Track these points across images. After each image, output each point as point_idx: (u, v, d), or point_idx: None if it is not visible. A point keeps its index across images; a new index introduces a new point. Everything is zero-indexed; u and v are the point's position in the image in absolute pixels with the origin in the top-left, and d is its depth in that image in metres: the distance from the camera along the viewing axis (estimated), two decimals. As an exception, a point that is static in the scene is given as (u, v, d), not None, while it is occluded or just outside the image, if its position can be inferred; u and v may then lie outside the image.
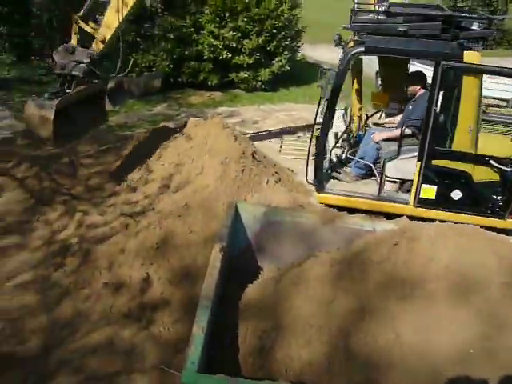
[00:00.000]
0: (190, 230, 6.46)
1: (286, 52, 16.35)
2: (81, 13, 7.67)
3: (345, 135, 8.50)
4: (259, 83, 16.03)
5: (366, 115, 9.22)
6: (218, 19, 15.24)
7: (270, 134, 11.91)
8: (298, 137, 11.44)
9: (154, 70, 15.38)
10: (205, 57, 15.24)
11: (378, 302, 4.40)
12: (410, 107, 7.75)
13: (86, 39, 7.92)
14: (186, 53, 15.27)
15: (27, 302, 6.03)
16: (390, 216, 6.51)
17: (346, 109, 9.20)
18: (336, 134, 8.35)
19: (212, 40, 15.09)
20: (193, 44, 15.32)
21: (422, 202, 6.92)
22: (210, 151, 8.00)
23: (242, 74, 15.75)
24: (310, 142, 7.37)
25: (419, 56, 7.24)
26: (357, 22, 6.99)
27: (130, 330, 5.53)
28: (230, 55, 15.32)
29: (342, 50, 7.38)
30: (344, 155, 8.12)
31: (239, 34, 15.23)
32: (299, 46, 17.74)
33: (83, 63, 7.71)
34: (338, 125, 8.47)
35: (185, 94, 15.64)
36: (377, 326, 4.26)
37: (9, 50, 18.16)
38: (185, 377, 3.50)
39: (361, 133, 8.76)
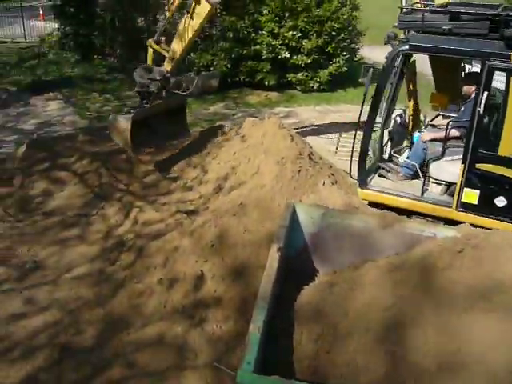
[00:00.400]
0: (245, 228, 6.42)
1: (344, 53, 16.17)
2: (155, 37, 9.06)
3: (400, 135, 8.33)
4: (316, 84, 15.91)
5: (424, 116, 9.01)
6: (277, 18, 15.22)
7: (327, 135, 11.79)
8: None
9: (211, 69, 15.49)
10: (263, 56, 15.24)
11: (441, 311, 4.23)
12: (462, 108, 7.51)
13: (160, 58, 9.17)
14: (244, 52, 15.31)
15: (83, 295, 6.17)
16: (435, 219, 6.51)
17: (404, 109, 9.01)
18: (390, 133, 8.19)
19: (271, 39, 15.07)
20: (251, 43, 15.35)
21: (465, 207, 6.65)
22: (267, 151, 7.95)
23: (300, 75, 15.66)
24: (354, 138, 7.33)
25: (464, 55, 6.98)
26: (403, 21, 6.88)
27: (182, 326, 5.56)
28: (288, 55, 15.27)
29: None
30: (394, 154, 8.00)
31: (299, 34, 15.16)
32: (358, 48, 17.51)
33: (157, 80, 8.79)
34: (395, 124, 8.30)
35: (242, 94, 15.70)
36: (438, 336, 4.10)
37: (73, 49, 18.69)
38: (240, 377, 3.46)
39: (416, 134, 8.57)
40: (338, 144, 11.12)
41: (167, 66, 8.95)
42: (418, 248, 4.96)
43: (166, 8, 9.10)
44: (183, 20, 8.64)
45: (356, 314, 4.44)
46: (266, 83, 15.59)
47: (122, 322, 5.70)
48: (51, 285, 6.33)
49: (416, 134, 8.05)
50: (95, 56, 18.74)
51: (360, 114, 7.12)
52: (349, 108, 14.48)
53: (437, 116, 9.06)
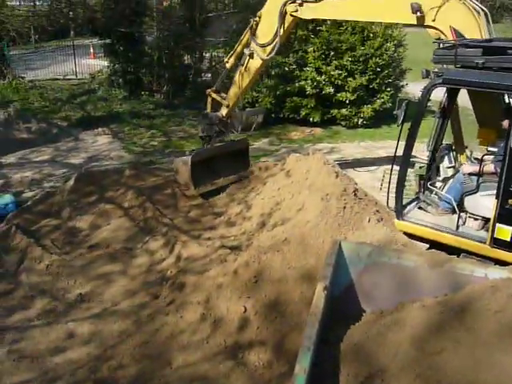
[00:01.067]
0: (289, 265, 6.35)
1: (388, 89, 16.12)
2: (214, 87, 10.01)
3: (445, 169, 8.18)
4: (360, 120, 15.87)
5: (471, 151, 8.84)
6: (322, 56, 15.34)
7: (371, 172, 11.66)
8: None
9: (256, 105, 15.65)
10: (307, 92, 15.33)
11: (495, 356, 4.03)
12: (502, 144, 7.36)
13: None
14: (289, 88, 15.44)
15: (126, 329, 6.17)
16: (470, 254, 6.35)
17: (450, 144, 8.88)
18: (437, 168, 8.08)
19: (316, 75, 15.17)
20: (295, 80, 15.48)
21: (498, 243, 6.39)
22: (311, 187, 7.91)
23: (344, 111, 15.67)
24: (391, 170, 7.42)
25: (497, 89, 6.83)
26: (437, 55, 6.94)
27: (225, 364, 5.48)
28: (332, 90, 15.32)
29: None
30: (437, 188, 7.88)
31: (345, 73, 15.24)
32: (403, 86, 17.43)
33: (215, 124, 9.96)
34: (440, 158, 8.19)
35: (285, 130, 15.77)
36: (492, 382, 3.90)
37: (122, 85, 19.24)
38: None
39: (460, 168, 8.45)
40: (382, 180, 10.95)
41: (223, 111, 10.04)
42: (468, 289, 4.78)
43: (225, 60, 9.93)
44: (238, 71, 9.62)
45: (404, 357, 4.28)
46: (311, 119, 15.63)
47: (163, 358, 5.66)
48: (95, 318, 6.38)
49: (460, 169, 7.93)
50: (143, 92, 19.22)
51: (396, 147, 7.13)
52: (394, 144, 14.29)
53: (486, 154, 8.87)
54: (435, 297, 4.96)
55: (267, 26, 9.02)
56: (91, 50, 25.54)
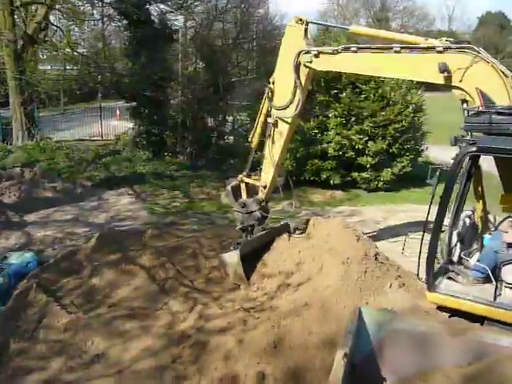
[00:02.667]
0: (309, 331, 6.28)
1: (408, 154, 16.24)
2: (244, 172, 9.32)
3: (469, 236, 8.06)
4: (381, 183, 15.94)
5: (494, 217, 8.72)
6: (344, 121, 15.62)
7: (392, 236, 11.59)
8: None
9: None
10: (329, 154, 15.51)
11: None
12: None
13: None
14: (311, 151, 15.65)
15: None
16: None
17: (473, 210, 8.79)
18: (459, 234, 7.94)
19: (340, 139, 15.39)
20: (317, 143, 15.69)
21: None
22: (331, 250, 7.90)
23: (364, 174, 15.78)
24: (422, 239, 7.05)
25: None
26: (469, 122, 6.78)
27: (243, 429, 5.35)
28: (354, 154, 15.49)
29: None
30: (464, 256, 7.67)
31: (366, 138, 15.46)
32: (422, 150, 17.55)
33: (255, 211, 9.11)
34: (464, 225, 8.06)
35: (307, 192, 15.86)
36: None
37: (146, 147, 19.68)
38: None
39: (487, 236, 8.27)
40: (404, 245, 10.89)
41: (261, 195, 9.28)
42: (492, 359, 4.66)
43: (250, 139, 9.39)
44: (267, 146, 9.03)
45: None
46: (332, 182, 15.74)
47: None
48: (112, 379, 6.29)
49: (487, 236, 7.76)
50: (166, 154, 19.63)
51: (427, 216, 6.98)
52: (415, 208, 14.29)
53: (506, 218, 8.77)
54: (458, 366, 4.83)
55: (283, 86, 8.61)
56: (117, 112, 26.31)
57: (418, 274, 7.04)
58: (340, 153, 15.51)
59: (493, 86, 7.19)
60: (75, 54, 22.30)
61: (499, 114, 6.61)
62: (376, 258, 7.77)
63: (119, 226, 12.19)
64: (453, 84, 7.45)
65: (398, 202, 15.20)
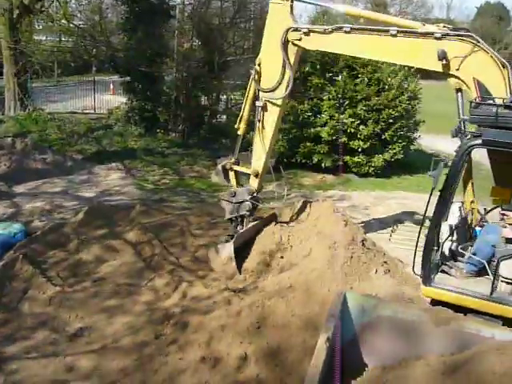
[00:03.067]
0: (293, 313, 6.32)
1: (400, 141, 16.23)
2: (233, 159, 8.86)
3: (460, 229, 8.03)
4: (372, 168, 15.94)
5: (485, 209, 8.70)
6: (337, 105, 15.55)
7: (381, 222, 11.64)
8: (410, 226, 11.06)
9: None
10: (323, 139, 15.47)
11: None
12: None
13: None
14: (304, 133, 15.59)
15: (125, 366, 6.10)
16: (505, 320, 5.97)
17: (462, 202, 8.77)
18: (451, 227, 7.91)
19: (334, 123, 15.34)
20: (310, 126, 15.64)
21: None
22: (319, 234, 7.92)
23: (356, 159, 15.77)
24: (420, 232, 6.90)
25: None
26: (476, 115, 6.60)
27: (221, 409, 5.39)
28: (346, 139, 15.46)
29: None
30: (457, 249, 7.62)
31: (358, 121, 15.40)
32: (415, 138, 17.54)
33: (246, 201, 8.60)
34: (454, 217, 8.03)
35: (297, 175, 15.83)
36: None
37: (138, 122, 19.55)
38: None
39: (478, 228, 8.24)
40: (392, 231, 10.95)
41: (253, 183, 8.85)
42: (474, 350, 4.68)
43: (236, 126, 8.86)
44: (256, 131, 8.62)
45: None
46: (323, 165, 15.72)
47: (162, 399, 5.58)
48: (95, 353, 6.30)
49: (477, 228, 7.71)
50: (158, 130, 19.51)
51: (426, 209, 6.87)
52: (404, 195, 14.36)
53: (493, 209, 8.74)
54: (440, 355, 4.86)
55: (271, 67, 8.27)
56: (111, 86, 26.07)
57: (413, 268, 6.93)
58: (333, 137, 15.46)
59: (490, 77, 7.09)
60: (71, 25, 21.98)
61: (507, 107, 6.44)
62: (363, 244, 7.80)
63: (108, 201, 12.13)
64: (450, 72, 7.30)
65: (389, 188, 15.23)
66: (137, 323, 6.88)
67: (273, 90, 8.33)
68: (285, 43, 8.03)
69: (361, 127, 15.47)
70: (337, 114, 15.44)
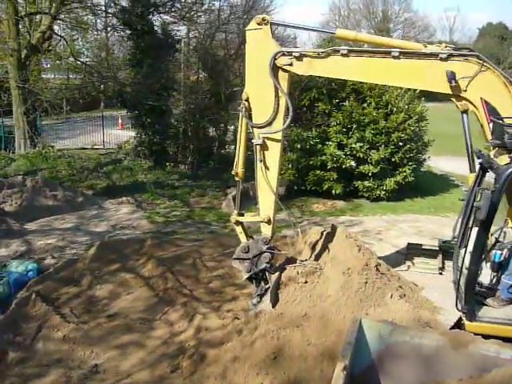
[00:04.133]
0: (309, 342, 6.22)
1: (410, 163, 16.19)
2: (235, 211, 7.90)
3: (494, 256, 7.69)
4: (383, 192, 15.87)
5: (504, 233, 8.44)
6: (344, 130, 15.59)
7: (394, 246, 11.54)
8: (424, 249, 10.95)
9: (279, 177, 15.81)
10: (328, 166, 15.48)
11: None
12: None
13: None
14: (311, 162, 15.61)
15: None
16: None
17: (500, 229, 8.38)
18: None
19: (335, 150, 15.35)
20: (318, 154, 15.66)
21: None
22: (332, 260, 7.85)
23: (367, 183, 15.72)
24: (462, 264, 6.66)
25: None
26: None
27: None
28: (354, 163, 15.44)
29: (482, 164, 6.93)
30: (492, 277, 7.02)
31: (367, 146, 15.40)
32: (425, 159, 17.51)
33: (264, 252, 7.66)
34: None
35: (308, 202, 15.79)
36: None
37: (147, 156, 19.70)
38: None
39: (497, 251, 7.89)
40: (406, 255, 10.83)
41: (266, 231, 7.79)
42: (495, 372, 4.60)
43: (234, 171, 7.91)
44: (258, 173, 7.69)
45: None
46: (333, 192, 15.68)
47: None
48: (110, 390, 6.25)
49: (497, 252, 7.09)
50: (167, 163, 19.64)
51: (460, 237, 6.68)
52: (416, 218, 14.27)
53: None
54: (459, 379, 4.77)
55: (261, 99, 7.48)
56: (120, 121, 26.38)
57: (456, 304, 6.66)
58: (337, 164, 15.43)
59: (498, 97, 6.94)
60: (78, 63, 22.43)
61: None
62: (377, 269, 7.70)
63: (120, 235, 12.16)
64: (459, 94, 7.03)
65: (400, 212, 15.13)
66: (152, 358, 6.83)
67: (269, 124, 7.50)
68: (273, 69, 7.29)
69: (371, 152, 15.46)
70: (345, 140, 15.47)
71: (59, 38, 22.73)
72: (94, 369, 6.68)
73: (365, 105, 15.66)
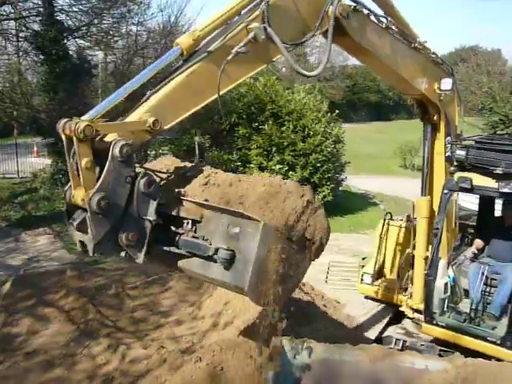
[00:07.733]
0: (237, 366, 6.22)
1: (329, 183, 16.66)
2: None
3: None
4: (303, 213, 16.19)
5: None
6: (265, 153, 15.87)
7: (315, 264, 11.73)
8: (345, 266, 11.27)
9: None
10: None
11: None
12: None
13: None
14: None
15: None
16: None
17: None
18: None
19: (257, 173, 15.57)
20: (239, 176, 15.79)
21: None
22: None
23: (286, 205, 15.99)
24: None
25: None
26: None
27: None
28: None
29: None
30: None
31: (286, 167, 15.73)
32: (343, 180, 18.07)
33: None
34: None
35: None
36: None
37: (65, 184, 19.00)
38: None
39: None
40: (327, 273, 11.10)
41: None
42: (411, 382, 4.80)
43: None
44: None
45: None
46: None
47: None
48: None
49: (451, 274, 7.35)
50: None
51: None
52: (336, 236, 14.62)
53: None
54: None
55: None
56: (35, 148, 25.46)
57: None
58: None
59: (454, 112, 7.08)
60: (-13, 88, 21.47)
61: None
62: (300, 289, 7.85)
63: (37, 268, 11.69)
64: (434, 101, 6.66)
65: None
66: (74, 395, 6.58)
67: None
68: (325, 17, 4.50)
69: (290, 173, 15.80)
70: (265, 162, 15.74)
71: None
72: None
73: (283, 128, 16.05)
